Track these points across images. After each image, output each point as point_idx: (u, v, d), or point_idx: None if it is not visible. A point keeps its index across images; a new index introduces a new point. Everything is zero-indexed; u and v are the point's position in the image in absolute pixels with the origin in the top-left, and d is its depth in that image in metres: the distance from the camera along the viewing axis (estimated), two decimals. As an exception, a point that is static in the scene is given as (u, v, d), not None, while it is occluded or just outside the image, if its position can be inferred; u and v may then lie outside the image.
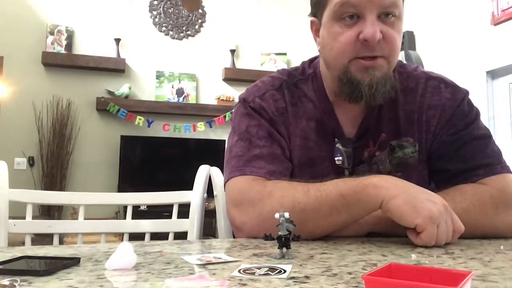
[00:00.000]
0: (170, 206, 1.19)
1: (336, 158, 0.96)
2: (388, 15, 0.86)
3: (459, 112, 0.96)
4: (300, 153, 0.97)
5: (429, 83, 0.99)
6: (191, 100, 4.68)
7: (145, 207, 3.31)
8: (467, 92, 1.00)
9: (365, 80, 0.88)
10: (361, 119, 0.98)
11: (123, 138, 4.35)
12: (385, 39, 0.87)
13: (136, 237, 1.09)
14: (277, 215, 0.64)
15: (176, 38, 4.77)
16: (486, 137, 0.96)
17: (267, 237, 0.70)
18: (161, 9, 4.76)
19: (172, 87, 4.65)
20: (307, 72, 1.03)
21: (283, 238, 0.63)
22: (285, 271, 0.53)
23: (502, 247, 0.73)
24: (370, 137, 0.97)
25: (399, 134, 0.97)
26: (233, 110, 1.05)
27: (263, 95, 1.00)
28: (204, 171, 1.20)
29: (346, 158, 0.97)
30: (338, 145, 0.97)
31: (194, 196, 1.18)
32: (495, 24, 3.41)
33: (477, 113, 0.98)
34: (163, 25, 4.74)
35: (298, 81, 1.02)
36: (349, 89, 0.90)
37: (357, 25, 0.86)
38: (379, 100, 0.90)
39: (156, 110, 4.49)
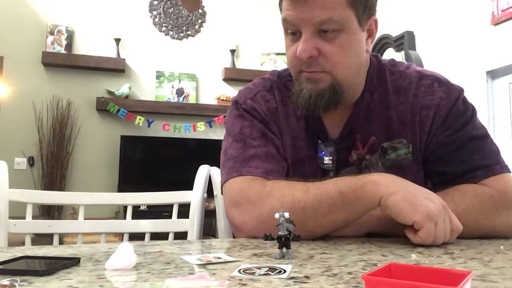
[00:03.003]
0: (170, 206, 1.19)
1: (325, 159, 0.96)
2: (326, 31, 0.87)
3: (454, 111, 0.95)
4: (292, 152, 0.98)
5: (422, 82, 0.98)
6: (191, 100, 4.68)
7: (145, 207, 3.32)
8: (462, 90, 0.98)
9: (304, 90, 0.91)
10: (346, 120, 0.97)
11: (123, 138, 4.35)
12: (322, 55, 0.88)
13: (136, 237, 1.09)
14: (277, 215, 0.64)
15: (176, 38, 4.77)
16: (483, 136, 0.95)
17: (267, 237, 0.70)
18: (161, 9, 4.76)
19: (172, 87, 4.65)
20: None
21: (283, 238, 0.63)
22: (285, 271, 0.53)
23: (502, 247, 0.73)
24: (358, 139, 0.96)
25: (391, 136, 0.96)
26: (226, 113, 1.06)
27: (254, 97, 1.01)
28: (204, 171, 1.20)
29: (331, 159, 0.96)
30: (322, 146, 0.97)
31: (194, 196, 1.18)
32: (495, 24, 3.41)
33: (473, 112, 0.97)
34: (163, 25, 4.74)
35: (287, 82, 1.03)
36: (294, 98, 0.94)
37: (299, 41, 0.88)
38: (318, 111, 0.92)
39: (156, 110, 4.49)
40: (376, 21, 0.94)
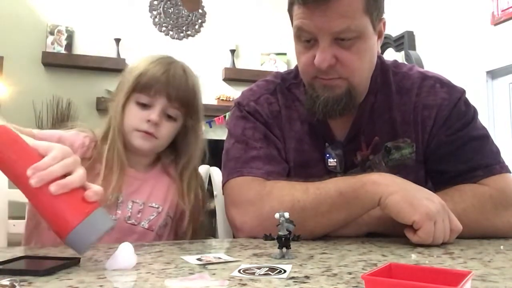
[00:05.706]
0: (170, 206, 1.19)
1: (329, 161, 0.96)
2: (343, 39, 0.86)
3: (456, 112, 0.95)
4: (295, 155, 0.97)
5: (425, 83, 0.98)
6: (191, 100, 4.67)
7: (145, 207, 3.31)
8: (463, 91, 0.99)
9: (320, 97, 0.90)
10: (352, 122, 0.98)
11: (123, 138, 4.34)
12: (340, 62, 0.87)
13: (136, 237, 1.08)
14: (277, 215, 0.64)
15: (176, 38, 4.77)
16: (484, 137, 0.95)
17: (267, 237, 0.70)
18: (161, 9, 4.76)
19: (172, 87, 4.64)
20: (299, 77, 1.02)
21: (283, 238, 0.63)
22: (285, 271, 0.53)
23: (502, 247, 0.73)
24: (362, 140, 0.97)
25: (395, 136, 0.96)
26: (228, 114, 1.06)
27: (257, 99, 1.01)
28: (204, 171, 1.20)
29: (338, 161, 0.96)
30: (329, 149, 0.97)
31: (194, 196, 1.18)
32: (495, 24, 3.41)
33: (474, 112, 0.98)
34: (163, 25, 4.74)
35: (290, 85, 1.03)
36: (309, 104, 0.93)
37: (314, 48, 0.88)
38: (335, 116, 0.92)
39: (156, 110, 4.48)
40: (384, 23, 0.94)
